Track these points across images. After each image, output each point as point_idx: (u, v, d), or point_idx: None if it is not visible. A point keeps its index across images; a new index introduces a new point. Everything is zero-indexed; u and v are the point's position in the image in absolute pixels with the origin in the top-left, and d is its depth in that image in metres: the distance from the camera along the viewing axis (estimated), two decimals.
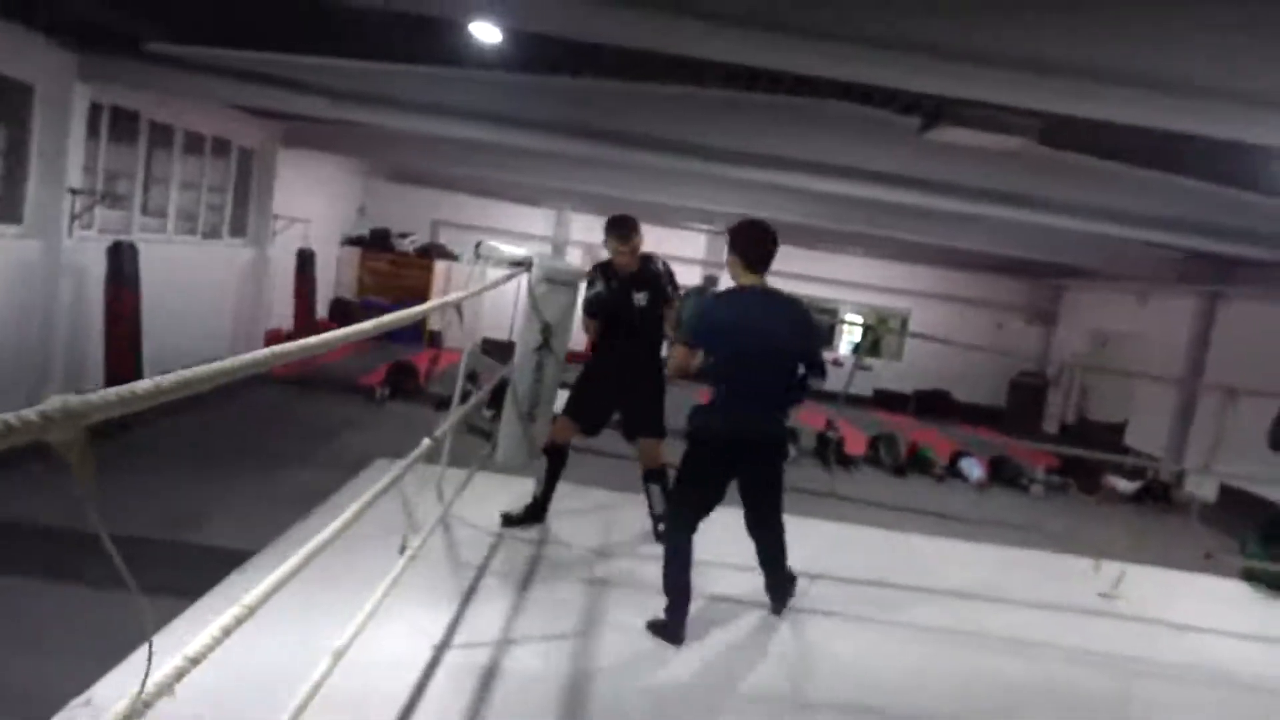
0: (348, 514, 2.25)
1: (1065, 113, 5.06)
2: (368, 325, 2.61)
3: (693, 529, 3.82)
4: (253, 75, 7.98)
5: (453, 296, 3.37)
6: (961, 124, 5.66)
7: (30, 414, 1.08)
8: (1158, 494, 11.73)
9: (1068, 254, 12.70)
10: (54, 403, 1.13)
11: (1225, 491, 11.52)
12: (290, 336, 12.41)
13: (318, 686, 2.28)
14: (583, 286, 4.83)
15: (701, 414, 3.81)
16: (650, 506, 4.93)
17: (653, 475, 4.92)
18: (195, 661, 1.55)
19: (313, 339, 2.07)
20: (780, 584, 4.14)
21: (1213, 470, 9.82)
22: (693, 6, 4.33)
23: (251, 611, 1.74)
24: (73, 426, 1.14)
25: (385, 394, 10.79)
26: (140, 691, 1.40)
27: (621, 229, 4.78)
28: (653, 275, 4.84)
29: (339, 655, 2.41)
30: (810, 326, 3.97)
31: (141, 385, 1.30)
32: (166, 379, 1.35)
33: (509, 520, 4.84)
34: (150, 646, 1.38)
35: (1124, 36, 4.23)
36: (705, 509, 3.85)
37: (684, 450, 3.87)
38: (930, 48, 4.42)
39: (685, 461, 3.86)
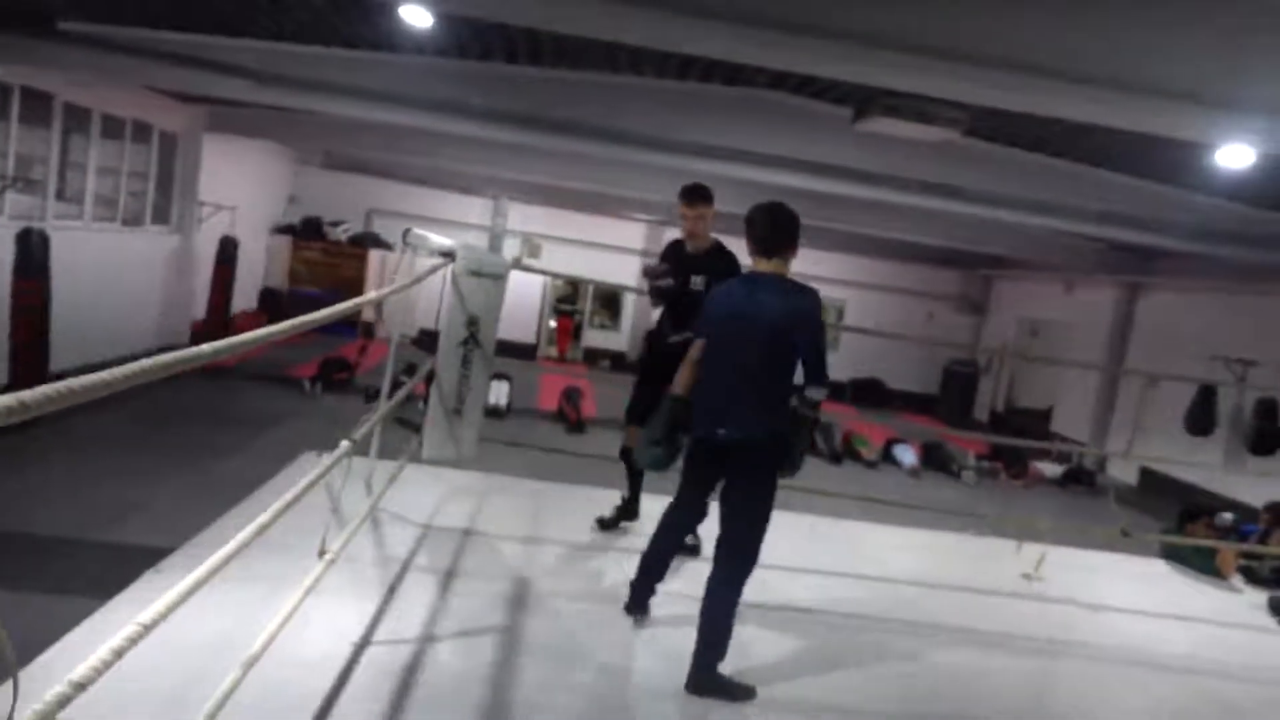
0: (258, 521, 2.17)
1: (991, 105, 5.16)
2: (287, 325, 2.53)
3: (674, 526, 3.73)
4: (173, 57, 7.71)
5: (376, 294, 3.29)
6: (891, 114, 5.73)
7: None
8: (1082, 478, 12.11)
9: (996, 244, 13.00)
10: None
11: (1145, 474, 11.94)
12: (204, 327, 12.08)
13: (226, 696, 2.20)
14: (510, 277, 4.72)
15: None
16: None
17: None
18: (82, 687, 1.47)
19: (223, 341, 1.99)
20: (709, 648, 3.32)
21: (1133, 454, 10.17)
22: None
23: (147, 630, 1.66)
24: None
25: (317, 388, 10.57)
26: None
27: (688, 195, 4.57)
28: (719, 263, 4.50)
29: (250, 664, 2.33)
30: (808, 322, 3.36)
31: (30, 395, 1.20)
32: (58, 386, 1.25)
33: (603, 524, 4.90)
34: (15, 680, 1.30)
35: (1049, 30, 4.32)
36: (691, 510, 3.70)
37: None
38: (861, 36, 4.45)
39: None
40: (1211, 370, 10.21)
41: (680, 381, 3.61)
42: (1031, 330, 16.40)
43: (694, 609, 3.39)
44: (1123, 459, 11.18)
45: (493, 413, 10.99)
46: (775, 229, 3.48)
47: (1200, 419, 10.70)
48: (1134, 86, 4.62)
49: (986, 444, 12.61)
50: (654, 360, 4.75)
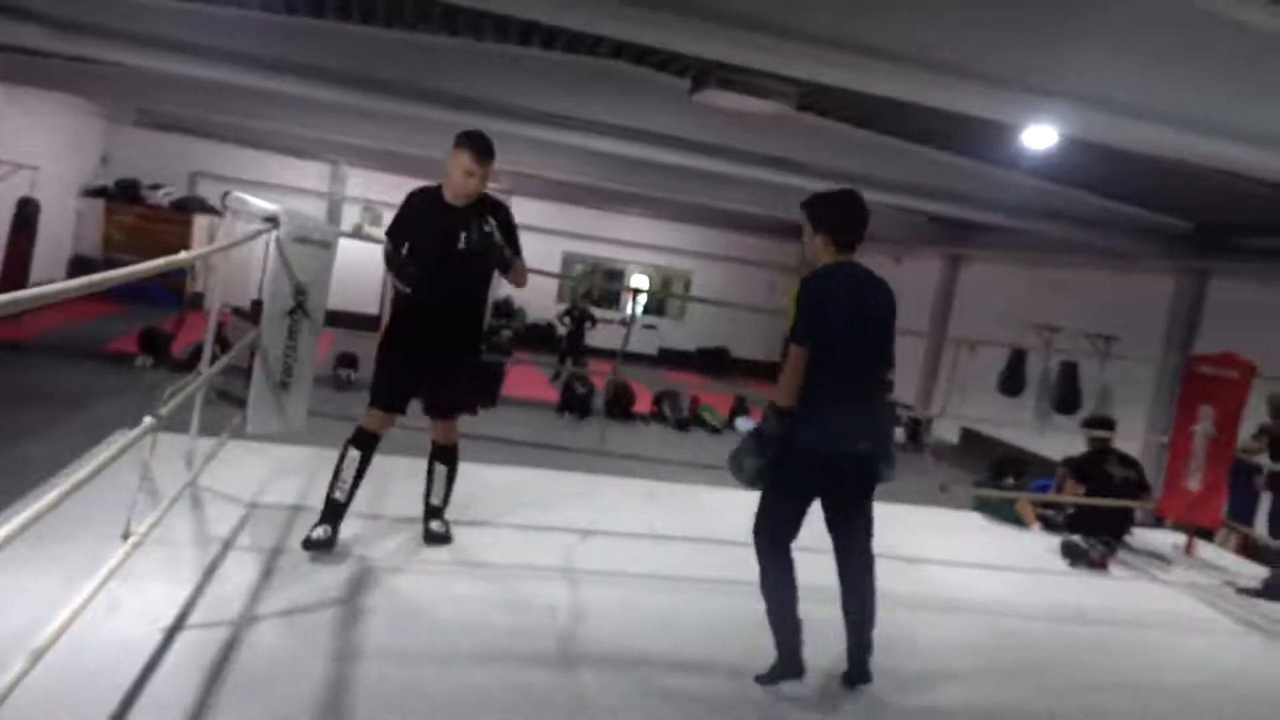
0: (37, 505, 2.01)
1: (820, 81, 5.34)
2: (77, 283, 2.35)
3: (786, 551, 3.35)
4: None
5: (186, 254, 3.09)
6: (726, 87, 5.84)
7: None
8: (912, 438, 12.90)
9: None
10: None
11: (966, 433, 12.84)
12: None
13: (10, 689, 2.04)
14: (350, 246, 4.45)
15: (802, 424, 3.16)
16: (427, 494, 4.31)
17: (445, 454, 4.29)
18: None
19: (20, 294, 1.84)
20: (865, 646, 3.44)
21: (952, 415, 10.92)
22: None
23: None
24: None
25: (147, 363, 9.79)
26: None
27: (483, 150, 3.88)
28: (497, 216, 3.94)
29: (38, 655, 2.17)
30: (894, 317, 3.33)
31: None
32: None
33: (313, 545, 3.96)
34: None
35: (881, 12, 4.50)
36: (797, 528, 3.36)
37: (778, 466, 3.26)
38: (693, 8, 4.49)
39: (778, 477, 3.28)
40: (1022, 336, 11.05)
41: (790, 391, 3.15)
42: None
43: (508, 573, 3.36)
44: (947, 419, 11.97)
45: (343, 385, 10.60)
46: (866, 220, 3.29)
47: (1011, 381, 11.60)
48: (950, 69, 4.87)
49: None
50: (410, 328, 4.10)
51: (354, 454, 4.06)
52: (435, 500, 4.36)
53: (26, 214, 11.47)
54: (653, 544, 4.99)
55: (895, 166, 8.93)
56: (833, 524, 3.40)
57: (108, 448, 4.59)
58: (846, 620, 3.45)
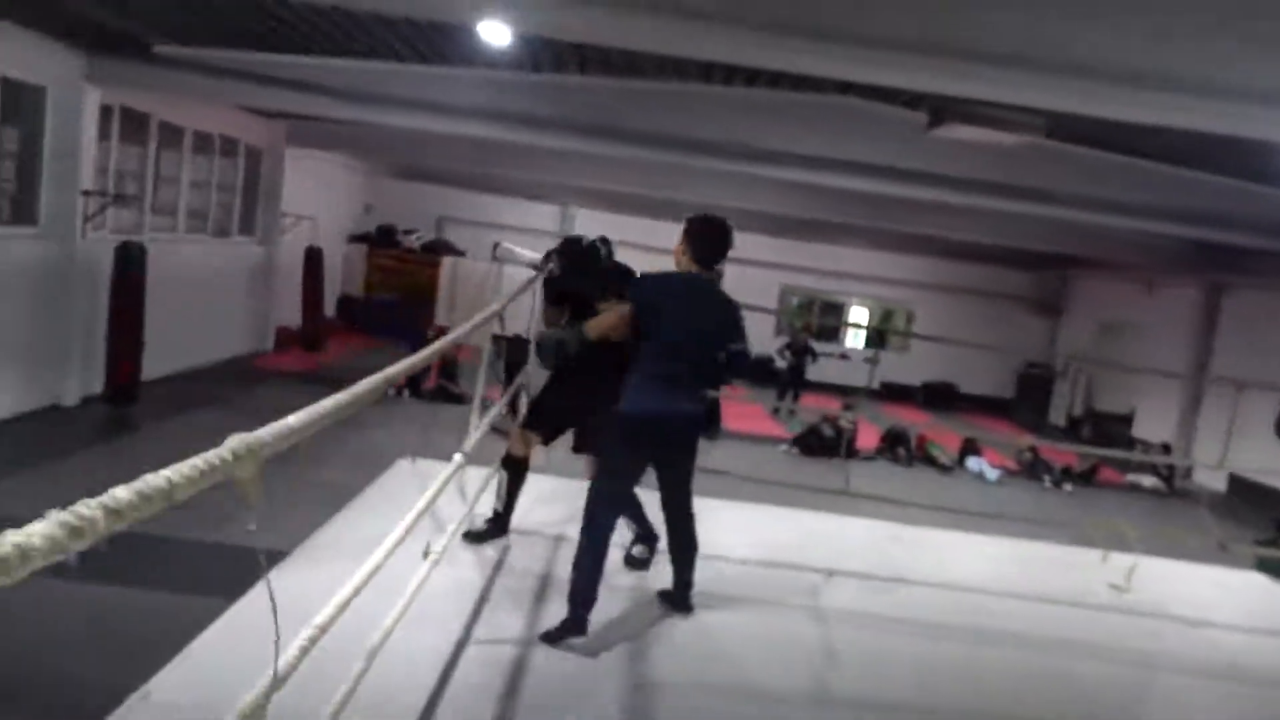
0: (402, 527, 2.34)
1: (1069, 110, 5.10)
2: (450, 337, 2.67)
3: (617, 517, 3.93)
4: (259, 77, 8.04)
5: (497, 305, 3.47)
6: (968, 121, 5.69)
7: (219, 454, 1.24)
8: (1168, 483, 11.80)
9: (1072, 245, 12.74)
10: (235, 442, 1.26)
11: (1234, 480, 11.59)
12: (300, 333, 12.57)
13: (357, 681, 2.34)
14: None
15: (635, 398, 3.71)
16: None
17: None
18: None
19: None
20: (687, 582, 4.01)
21: (1217, 461, 9.88)
22: (697, 9, 4.36)
23: (324, 631, 1.84)
24: (252, 461, 1.27)
25: (405, 394, 10.68)
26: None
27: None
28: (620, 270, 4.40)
29: (373, 654, 2.48)
30: (736, 318, 3.89)
31: (298, 417, 1.59)
32: (322, 405, 1.47)
33: (472, 537, 4.44)
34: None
35: (1123, 35, 4.27)
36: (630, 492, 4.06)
37: (612, 436, 3.78)
38: (935, 47, 4.45)
39: (614, 446, 3.81)
40: None
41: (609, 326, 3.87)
42: (1109, 332, 16.00)
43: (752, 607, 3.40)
44: (1211, 467, 10.85)
45: None
46: (724, 247, 3.85)
47: None
48: (1215, 90, 4.52)
49: (1070, 453, 12.35)
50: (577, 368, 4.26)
51: (508, 473, 4.54)
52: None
53: (314, 261, 13.07)
54: (900, 588, 4.89)
55: (1150, 191, 8.31)
56: (665, 487, 3.93)
57: (396, 475, 5.15)
58: (673, 559, 4.02)
